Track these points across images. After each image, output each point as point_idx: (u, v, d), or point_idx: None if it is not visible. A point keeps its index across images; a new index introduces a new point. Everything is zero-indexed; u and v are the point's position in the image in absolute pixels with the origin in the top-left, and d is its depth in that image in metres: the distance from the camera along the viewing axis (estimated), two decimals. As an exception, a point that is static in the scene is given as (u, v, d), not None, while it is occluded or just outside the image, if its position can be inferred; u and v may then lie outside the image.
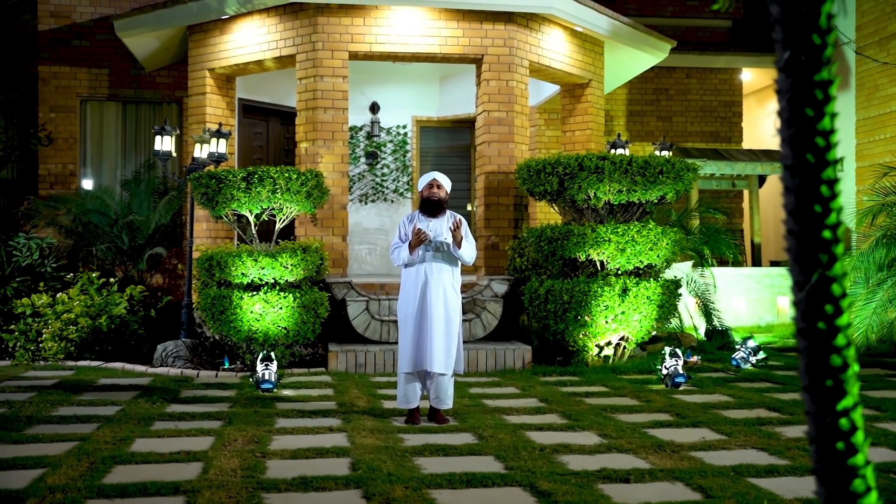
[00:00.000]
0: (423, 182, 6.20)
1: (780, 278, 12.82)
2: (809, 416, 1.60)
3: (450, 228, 5.98)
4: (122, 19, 10.91)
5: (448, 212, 6.15)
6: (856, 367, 1.58)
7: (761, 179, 14.15)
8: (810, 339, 1.59)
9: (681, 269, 10.64)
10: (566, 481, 4.43)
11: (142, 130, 12.59)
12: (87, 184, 12.30)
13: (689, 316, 10.90)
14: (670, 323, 9.69)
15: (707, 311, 10.56)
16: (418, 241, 5.92)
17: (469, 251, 6.03)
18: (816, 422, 1.59)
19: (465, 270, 12.04)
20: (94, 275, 9.59)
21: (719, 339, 10.25)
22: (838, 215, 1.57)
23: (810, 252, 1.58)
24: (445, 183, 6.17)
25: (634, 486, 4.42)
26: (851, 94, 13.50)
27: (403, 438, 5.48)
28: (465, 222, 6.06)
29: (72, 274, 9.89)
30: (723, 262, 12.59)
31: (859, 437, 1.57)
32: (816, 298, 1.58)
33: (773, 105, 16.38)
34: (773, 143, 15.48)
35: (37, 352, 8.93)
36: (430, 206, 6.11)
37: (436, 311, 5.92)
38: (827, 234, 1.57)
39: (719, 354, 9.46)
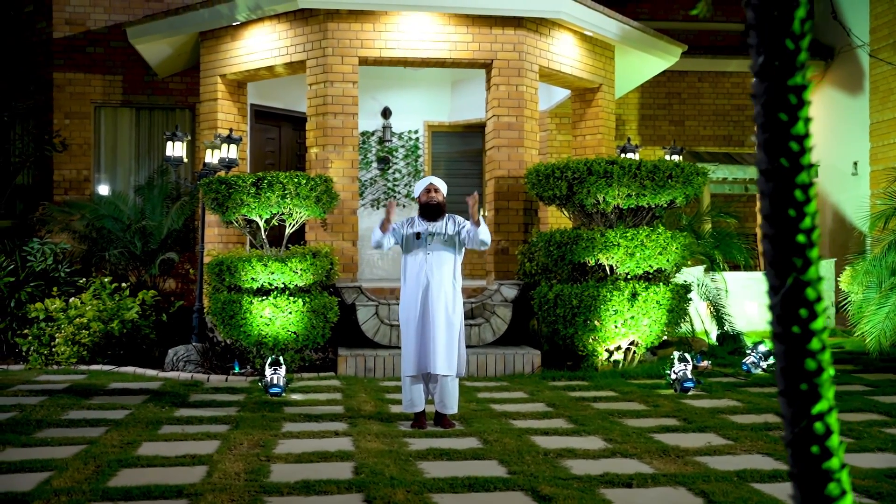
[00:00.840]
0: (419, 187, 6.24)
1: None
2: (785, 420, 1.61)
3: (468, 203, 5.97)
4: (134, 26, 11.01)
5: (448, 215, 6.18)
6: (831, 371, 1.58)
7: (775, 183, 14.03)
8: (785, 343, 1.59)
9: (692, 274, 10.60)
10: (568, 486, 4.43)
11: (155, 136, 12.68)
12: (102, 189, 12.40)
13: (701, 320, 10.85)
14: (681, 327, 9.66)
15: (718, 316, 10.51)
16: (388, 217, 5.98)
17: (486, 231, 6.03)
18: (792, 426, 1.59)
19: (475, 275, 12.07)
20: (106, 280, 9.67)
21: (731, 344, 10.19)
22: (812, 219, 1.58)
23: (785, 256, 1.58)
24: (442, 187, 6.20)
25: (636, 490, 4.42)
26: (865, 98, 13.41)
27: (408, 443, 5.49)
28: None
29: (85, 279, 9.97)
30: (735, 267, 12.52)
31: (834, 440, 1.57)
32: (791, 302, 1.58)
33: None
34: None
35: (50, 356, 9.01)
36: (429, 210, 6.14)
37: (437, 312, 5.94)
38: (801, 238, 1.57)
39: (730, 359, 9.41)
